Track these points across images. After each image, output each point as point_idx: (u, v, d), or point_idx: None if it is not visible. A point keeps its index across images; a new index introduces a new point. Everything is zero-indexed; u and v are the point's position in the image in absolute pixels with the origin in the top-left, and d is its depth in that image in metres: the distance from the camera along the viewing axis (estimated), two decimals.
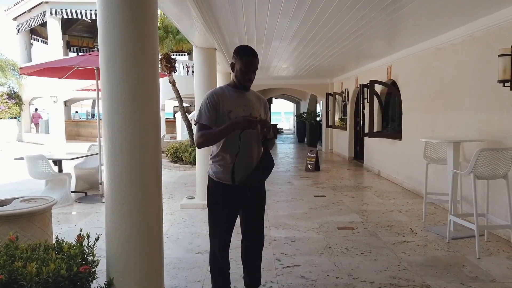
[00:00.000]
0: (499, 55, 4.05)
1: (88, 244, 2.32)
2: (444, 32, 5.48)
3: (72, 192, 6.41)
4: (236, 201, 2.54)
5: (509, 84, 4.08)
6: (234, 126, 2.33)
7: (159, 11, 5.01)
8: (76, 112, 30.91)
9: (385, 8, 4.31)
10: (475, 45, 4.92)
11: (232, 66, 2.44)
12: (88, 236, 2.36)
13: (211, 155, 2.57)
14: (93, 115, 28.92)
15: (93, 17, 17.24)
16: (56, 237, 2.48)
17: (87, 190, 6.90)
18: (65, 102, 19.72)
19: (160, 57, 11.03)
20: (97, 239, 2.34)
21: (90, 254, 2.27)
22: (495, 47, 4.27)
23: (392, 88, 8.04)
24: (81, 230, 2.45)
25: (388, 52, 7.41)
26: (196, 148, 6.14)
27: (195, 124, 2.38)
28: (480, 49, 4.81)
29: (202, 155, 5.94)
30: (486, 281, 3.25)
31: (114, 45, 2.18)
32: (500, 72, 4.06)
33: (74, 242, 2.34)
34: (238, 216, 2.67)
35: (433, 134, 5.98)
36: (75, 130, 21.77)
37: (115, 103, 2.20)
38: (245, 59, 2.37)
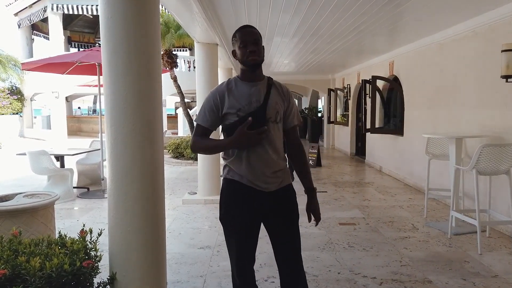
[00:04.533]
0: (502, 50, 4.02)
1: (91, 239, 2.33)
2: (446, 28, 5.45)
3: (74, 187, 6.43)
4: (251, 206, 2.01)
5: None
6: (235, 145, 1.94)
7: (160, 6, 5.00)
8: (79, 107, 30.91)
9: (387, 4, 4.29)
10: (478, 41, 4.89)
11: (234, 53, 2.04)
12: (90, 231, 2.37)
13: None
14: (94, 111, 28.93)
15: (94, 13, 17.20)
16: (59, 232, 2.48)
17: (89, 186, 6.92)
18: (66, 98, 19.73)
19: (161, 52, 11.02)
20: (99, 234, 2.35)
21: (93, 249, 2.28)
22: (498, 43, 4.25)
23: (394, 83, 8.02)
24: (83, 225, 2.46)
25: (390, 47, 7.38)
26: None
27: (196, 121, 2.03)
28: (483, 45, 4.78)
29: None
30: (487, 276, 3.25)
31: (116, 41, 2.18)
32: (503, 67, 4.04)
33: (77, 237, 2.35)
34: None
35: (435, 130, 5.97)
36: (76, 125, 21.81)
37: (117, 99, 2.21)
38: (240, 33, 1.99)
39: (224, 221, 2.13)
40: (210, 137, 2.05)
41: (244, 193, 2.01)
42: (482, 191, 4.37)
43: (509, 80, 4.05)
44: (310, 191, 2.14)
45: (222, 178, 2.13)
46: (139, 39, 2.21)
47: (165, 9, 10.72)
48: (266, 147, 1.97)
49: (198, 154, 6.08)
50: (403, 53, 7.26)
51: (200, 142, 2.02)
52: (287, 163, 2.16)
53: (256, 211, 2.04)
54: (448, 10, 4.58)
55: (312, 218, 2.17)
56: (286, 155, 2.18)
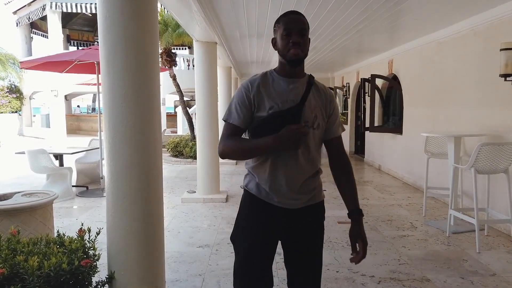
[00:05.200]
0: (501, 49, 4.02)
1: (89, 238, 2.33)
2: (446, 26, 5.45)
3: (73, 186, 6.43)
4: (267, 229, 1.73)
5: (511, 78, 4.06)
6: (281, 144, 1.56)
7: (159, 5, 4.99)
8: (78, 106, 30.89)
9: (387, 2, 4.28)
10: (477, 39, 4.89)
11: (274, 42, 1.72)
12: (89, 230, 2.37)
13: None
14: (93, 109, 28.91)
15: (93, 11, 17.17)
16: (58, 231, 2.49)
17: (88, 184, 6.91)
18: (65, 96, 19.71)
19: (160, 51, 11.00)
20: (98, 233, 2.35)
21: (92, 248, 2.28)
22: (497, 41, 4.25)
23: (393, 82, 8.02)
24: (82, 224, 2.46)
25: (390, 46, 7.37)
26: (196, 143, 6.13)
27: (224, 120, 1.70)
28: (482, 43, 4.78)
29: (203, 149, 5.95)
30: (485, 275, 3.26)
31: (114, 41, 2.18)
32: (502, 66, 4.04)
33: (76, 236, 2.35)
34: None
35: (434, 129, 5.97)
36: (76, 124, 21.80)
37: (116, 98, 2.21)
38: (284, 19, 1.65)
39: (233, 241, 1.83)
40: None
41: (260, 211, 1.72)
42: (481, 190, 4.38)
43: (507, 78, 4.05)
44: (357, 214, 1.76)
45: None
46: (137, 38, 2.21)
47: (164, 8, 10.71)
48: (299, 154, 1.66)
49: (197, 153, 6.05)
50: (403, 52, 7.26)
51: (233, 145, 1.65)
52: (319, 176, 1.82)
53: (273, 233, 1.74)
54: (448, 8, 4.57)
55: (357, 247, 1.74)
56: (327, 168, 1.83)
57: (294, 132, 1.53)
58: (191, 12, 4.28)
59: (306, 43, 1.66)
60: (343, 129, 1.87)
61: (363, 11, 4.66)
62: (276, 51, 1.71)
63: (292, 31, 1.62)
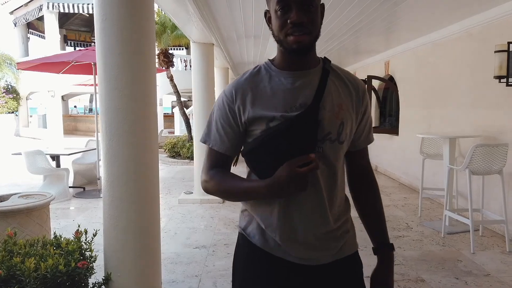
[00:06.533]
0: (495, 51, 4.05)
1: (86, 240, 2.34)
2: (441, 28, 5.49)
3: (70, 187, 6.43)
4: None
5: (505, 80, 4.09)
6: (274, 193, 1.06)
7: (156, 6, 5.01)
8: (75, 106, 30.82)
9: (383, 4, 4.31)
10: (472, 41, 4.93)
11: (268, 19, 1.16)
12: (86, 231, 2.39)
13: None
14: (91, 110, 28.86)
15: (90, 11, 17.13)
16: (54, 233, 2.50)
17: (85, 185, 6.91)
18: (62, 97, 19.67)
19: (157, 52, 11.00)
20: (94, 235, 2.37)
21: (88, 250, 2.30)
22: (491, 43, 4.28)
23: (389, 83, 8.06)
24: (79, 226, 2.48)
25: (386, 47, 7.41)
26: (194, 144, 6.13)
27: (203, 142, 1.21)
28: (477, 45, 4.82)
29: (200, 150, 5.96)
30: (480, 275, 3.29)
31: (110, 43, 2.19)
32: (496, 68, 4.07)
33: (72, 238, 2.37)
34: None
35: (430, 130, 6.00)
36: (73, 124, 21.77)
37: (112, 100, 2.22)
38: None
39: None
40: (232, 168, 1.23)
41: (267, 270, 1.17)
42: (475, 191, 4.41)
43: (501, 80, 4.09)
44: (386, 249, 1.32)
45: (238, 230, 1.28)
46: (134, 40, 2.22)
47: (161, 9, 10.71)
48: (320, 179, 1.12)
49: (194, 153, 6.06)
50: (399, 53, 7.30)
51: (216, 184, 1.15)
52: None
53: None
54: (443, 10, 4.61)
55: None
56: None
57: (294, 174, 1.01)
58: (188, 13, 4.29)
59: (315, 20, 1.07)
60: (373, 138, 1.32)
61: (359, 12, 4.69)
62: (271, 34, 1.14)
63: (292, 4, 1.04)
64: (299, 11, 1.04)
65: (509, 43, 4.00)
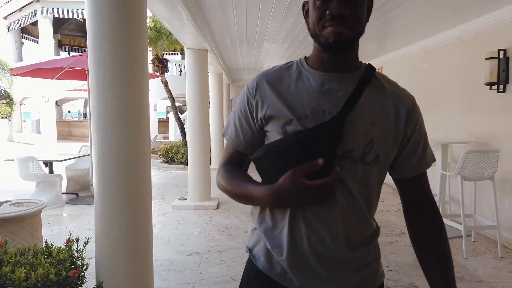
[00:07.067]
0: (486, 58, 4.11)
1: (77, 248, 2.33)
2: (433, 35, 5.54)
3: (63, 193, 6.38)
4: None
5: (495, 86, 4.15)
6: (274, 203, 0.96)
7: (151, 13, 5.01)
8: (69, 111, 30.70)
9: (375, 11, 4.35)
10: (463, 48, 4.99)
11: (306, 12, 1.05)
12: (77, 239, 2.37)
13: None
14: (85, 115, 28.75)
15: (85, 16, 17.09)
16: (45, 241, 2.48)
17: (78, 192, 6.87)
18: (56, 102, 19.58)
19: (152, 57, 11.00)
20: (86, 243, 2.35)
21: (80, 258, 2.28)
22: (482, 50, 4.34)
23: None
24: (70, 234, 2.46)
25: (379, 53, 7.47)
26: (188, 149, 6.13)
27: (222, 135, 1.14)
28: (468, 52, 4.87)
29: (194, 156, 5.95)
30: (472, 281, 3.31)
31: (102, 51, 2.19)
32: (486, 74, 4.13)
33: (64, 246, 2.35)
34: None
35: None
36: (66, 130, 21.65)
37: (104, 108, 2.22)
38: None
39: None
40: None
41: None
42: (468, 196, 4.44)
43: (492, 87, 4.14)
44: None
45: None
46: (126, 49, 2.23)
47: (155, 16, 10.72)
48: (339, 199, 0.96)
49: (189, 159, 6.05)
50: (392, 59, 7.36)
51: (225, 183, 1.05)
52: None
53: None
54: (435, 17, 4.66)
55: None
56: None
57: (299, 185, 0.88)
58: (182, 20, 4.31)
59: (360, 15, 0.97)
60: (434, 159, 1.11)
61: None
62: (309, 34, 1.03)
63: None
64: (341, 2, 0.90)
65: (499, 50, 4.06)
